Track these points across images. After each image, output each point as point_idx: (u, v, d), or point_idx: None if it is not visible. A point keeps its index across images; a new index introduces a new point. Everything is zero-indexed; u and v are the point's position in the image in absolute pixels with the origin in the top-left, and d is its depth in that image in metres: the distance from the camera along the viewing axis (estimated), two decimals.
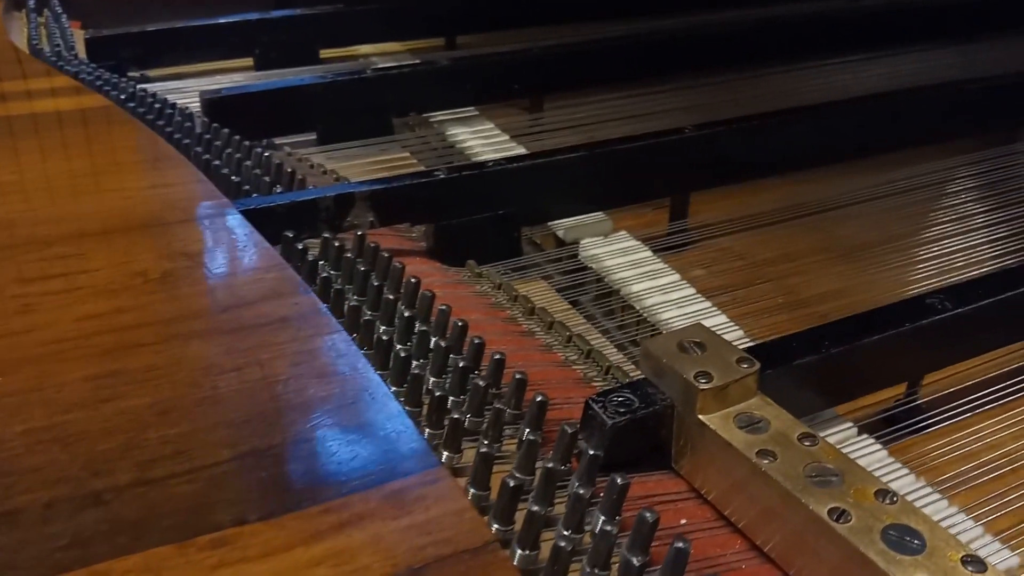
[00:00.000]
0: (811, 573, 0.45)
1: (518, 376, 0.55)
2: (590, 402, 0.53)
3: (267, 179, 0.81)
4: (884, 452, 0.58)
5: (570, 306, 0.77)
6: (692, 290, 0.77)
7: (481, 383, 0.53)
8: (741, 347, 0.62)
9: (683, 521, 0.51)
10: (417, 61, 1.23)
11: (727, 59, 1.21)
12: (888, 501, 0.45)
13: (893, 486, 0.51)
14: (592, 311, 0.78)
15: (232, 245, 0.63)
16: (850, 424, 0.60)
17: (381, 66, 1.16)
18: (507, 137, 1.07)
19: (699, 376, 0.51)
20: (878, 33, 1.34)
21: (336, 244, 0.69)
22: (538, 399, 0.53)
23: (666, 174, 0.86)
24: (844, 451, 0.56)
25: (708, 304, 0.75)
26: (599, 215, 0.86)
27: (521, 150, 1.04)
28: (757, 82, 1.28)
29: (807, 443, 0.49)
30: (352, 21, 1.32)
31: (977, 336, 0.63)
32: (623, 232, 0.85)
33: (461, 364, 0.56)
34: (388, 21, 1.33)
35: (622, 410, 0.52)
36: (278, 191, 0.80)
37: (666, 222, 0.92)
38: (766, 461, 0.48)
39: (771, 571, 0.47)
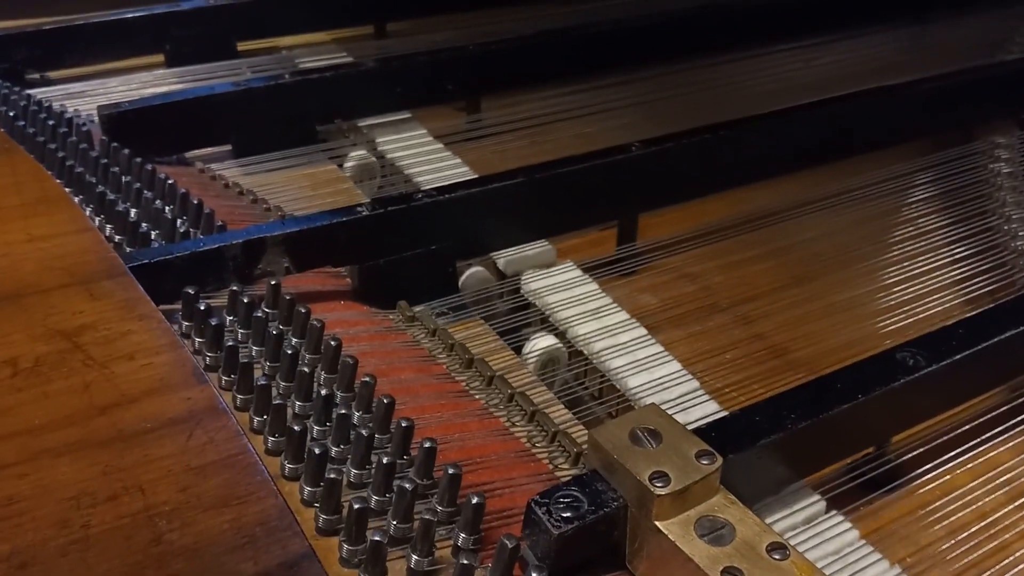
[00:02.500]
0: None
1: (451, 471, 0.49)
2: (532, 505, 0.47)
3: (169, 215, 0.72)
4: (855, 534, 0.53)
5: (513, 353, 0.70)
6: (642, 330, 0.71)
7: (407, 486, 0.47)
8: (696, 422, 0.56)
9: None
10: (340, 61, 1.14)
11: (674, 49, 1.14)
12: None
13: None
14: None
15: (117, 317, 0.55)
16: (817, 497, 0.55)
17: (302, 69, 1.07)
18: (441, 146, 0.99)
19: (654, 478, 0.45)
20: (829, 17, 1.28)
21: (245, 299, 0.61)
22: (473, 500, 0.47)
23: (613, 197, 0.79)
24: (811, 530, 0.51)
25: (659, 348, 0.69)
26: (542, 243, 0.80)
27: (457, 160, 0.96)
28: (705, 72, 1.22)
29: (777, 556, 0.43)
30: (271, 11, 1.21)
31: (953, 390, 0.58)
32: (568, 262, 0.79)
33: (384, 460, 0.49)
34: (311, 9, 1.22)
35: (568, 514, 0.46)
36: (181, 230, 0.71)
37: (613, 242, 0.86)
38: None
39: None
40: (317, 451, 0.48)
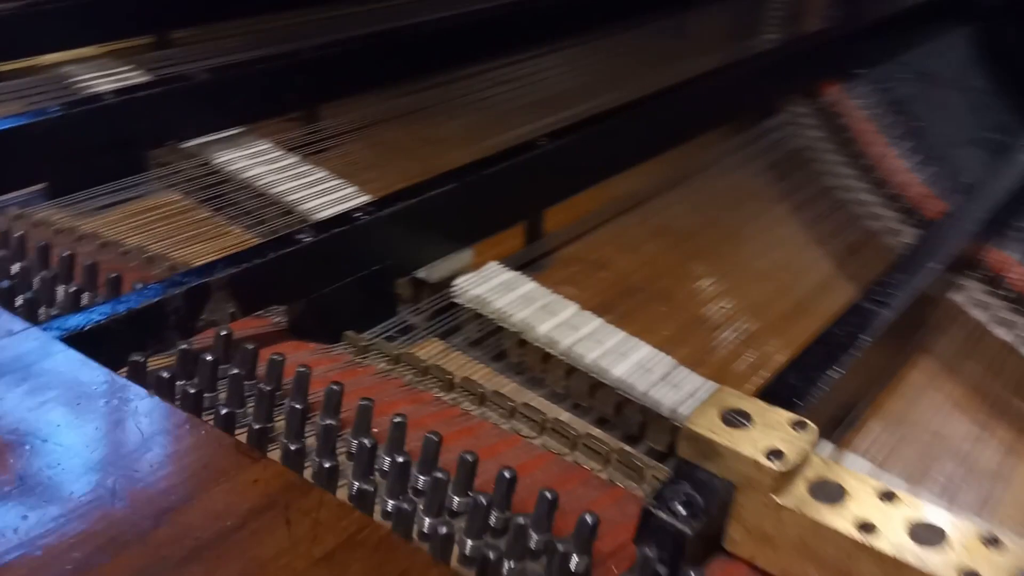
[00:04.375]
0: None
1: (548, 495, 0.46)
2: (651, 510, 0.45)
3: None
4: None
5: (485, 366, 0.67)
6: (598, 320, 0.71)
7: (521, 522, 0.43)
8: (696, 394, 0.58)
9: None
10: (166, 75, 1.00)
11: (508, 43, 1.14)
12: (995, 546, 0.44)
13: None
14: (500, 366, 0.69)
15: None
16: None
17: (127, 87, 0.92)
18: (298, 158, 0.91)
19: (770, 455, 0.46)
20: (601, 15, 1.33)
21: (201, 357, 0.52)
22: (588, 520, 0.44)
23: (529, 193, 0.78)
24: None
25: (622, 333, 0.69)
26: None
27: (323, 172, 0.89)
28: (525, 65, 1.23)
29: (887, 501, 0.46)
30: (31, 24, 1.03)
31: None
32: (492, 263, 0.76)
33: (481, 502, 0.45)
34: (80, 20, 1.06)
35: (691, 510, 0.45)
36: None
37: (516, 241, 0.85)
38: (870, 536, 0.44)
39: None
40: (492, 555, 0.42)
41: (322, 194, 0.84)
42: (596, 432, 0.59)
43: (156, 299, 0.55)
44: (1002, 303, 0.77)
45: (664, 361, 0.67)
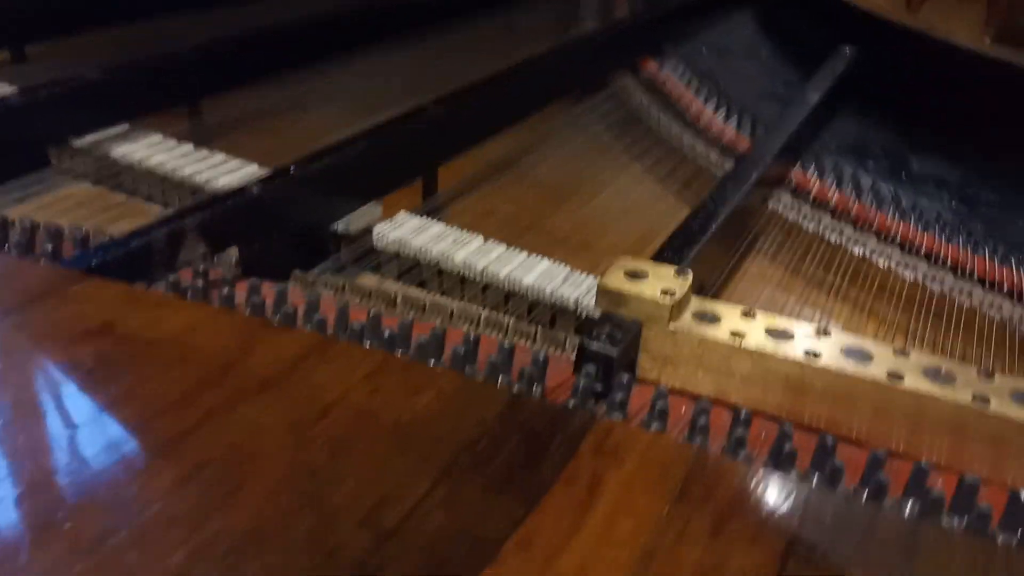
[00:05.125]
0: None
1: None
2: (584, 342, 0.60)
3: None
4: None
5: (419, 287, 0.80)
6: (502, 246, 0.85)
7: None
8: (589, 293, 0.73)
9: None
10: (64, 76, 1.05)
11: (356, 41, 1.28)
12: (826, 335, 0.62)
13: None
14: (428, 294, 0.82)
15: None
16: None
17: (30, 86, 0.97)
18: (192, 146, 0.99)
19: (665, 293, 0.62)
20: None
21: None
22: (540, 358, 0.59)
23: (426, 151, 0.91)
24: None
25: (524, 253, 0.84)
26: (369, 204, 0.89)
27: (221, 155, 0.98)
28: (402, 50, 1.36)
29: (750, 317, 0.63)
30: None
31: None
32: (403, 212, 0.89)
33: None
34: None
35: (612, 340, 0.60)
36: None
37: (416, 197, 0.98)
38: (740, 340, 0.61)
39: None
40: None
41: (228, 172, 0.94)
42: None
43: (146, 240, 0.64)
44: (807, 207, 0.99)
45: (562, 270, 0.82)
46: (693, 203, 1.03)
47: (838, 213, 0.98)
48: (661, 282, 0.63)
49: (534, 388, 0.58)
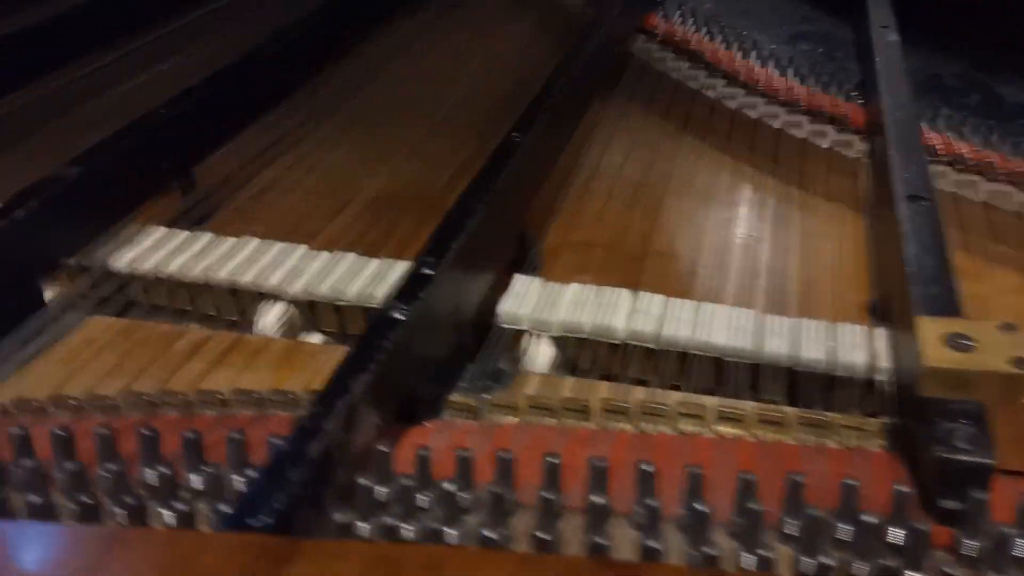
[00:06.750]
0: None
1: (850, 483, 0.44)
2: (946, 456, 0.46)
3: None
4: None
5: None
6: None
7: None
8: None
9: None
10: None
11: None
12: None
13: None
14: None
15: None
16: None
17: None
18: None
19: (1018, 364, 0.48)
20: None
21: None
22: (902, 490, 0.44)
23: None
24: None
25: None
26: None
27: None
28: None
29: None
30: None
31: None
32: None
33: None
34: None
35: (976, 442, 0.47)
36: None
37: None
38: None
39: None
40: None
41: None
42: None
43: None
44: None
45: (751, 317, 0.65)
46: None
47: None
48: (997, 346, 0.49)
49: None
